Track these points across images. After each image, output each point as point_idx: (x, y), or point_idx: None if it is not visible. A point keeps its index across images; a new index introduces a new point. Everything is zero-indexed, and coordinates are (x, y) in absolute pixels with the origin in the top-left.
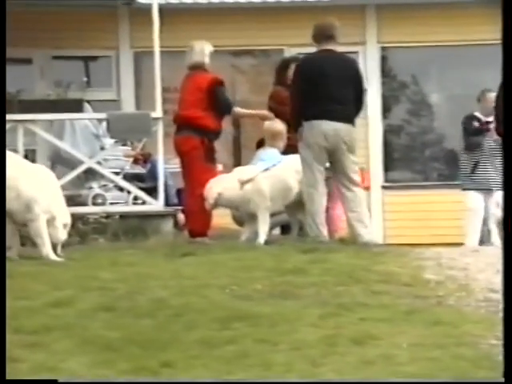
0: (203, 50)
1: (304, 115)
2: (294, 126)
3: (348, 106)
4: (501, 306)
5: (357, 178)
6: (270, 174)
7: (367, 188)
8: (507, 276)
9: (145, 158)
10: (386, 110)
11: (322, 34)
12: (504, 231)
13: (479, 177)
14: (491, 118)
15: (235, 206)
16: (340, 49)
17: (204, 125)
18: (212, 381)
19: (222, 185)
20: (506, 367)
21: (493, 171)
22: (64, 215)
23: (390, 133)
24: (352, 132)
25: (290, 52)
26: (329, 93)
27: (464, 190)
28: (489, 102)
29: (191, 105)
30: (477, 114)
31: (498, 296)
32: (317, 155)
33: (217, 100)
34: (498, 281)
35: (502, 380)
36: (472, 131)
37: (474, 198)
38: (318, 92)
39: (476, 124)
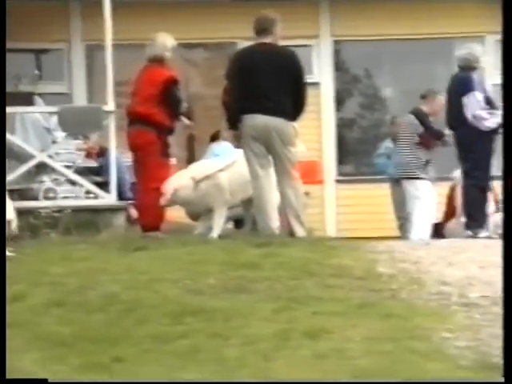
0: (165, 43)
1: (239, 109)
2: (228, 120)
3: (283, 100)
4: (453, 299)
5: (295, 172)
6: (228, 168)
7: (320, 182)
8: (507, 276)
9: (99, 152)
10: (339, 103)
11: (260, 27)
12: (504, 231)
13: (430, 168)
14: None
15: (193, 204)
16: (292, 42)
17: (158, 121)
18: (214, 381)
19: (179, 182)
20: (506, 367)
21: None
22: (7, 211)
23: (343, 126)
24: (286, 126)
25: (242, 45)
26: (262, 87)
27: (417, 179)
28: (437, 104)
29: (145, 99)
30: (424, 108)
31: (450, 289)
32: (254, 149)
33: (169, 98)
34: (449, 274)
35: (502, 380)
36: (429, 127)
37: (427, 188)
38: (250, 86)
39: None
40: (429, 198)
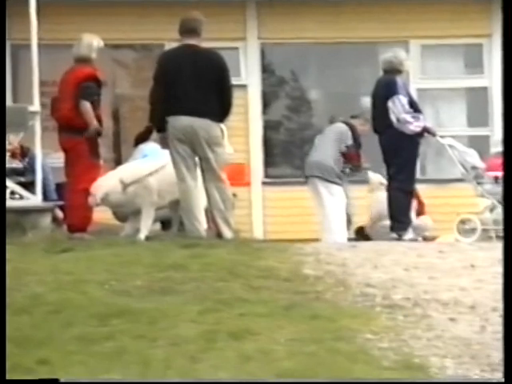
0: (91, 43)
1: (165, 111)
2: (155, 122)
3: (209, 102)
4: (377, 301)
5: (222, 174)
6: (157, 169)
7: (247, 184)
8: (507, 275)
9: (23, 152)
10: (266, 105)
11: (185, 28)
12: (504, 231)
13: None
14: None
15: (122, 207)
16: (219, 44)
17: (81, 125)
18: (216, 381)
19: (109, 185)
20: (506, 367)
21: None
22: None
23: (269, 128)
24: (212, 127)
25: (170, 46)
26: (188, 88)
27: (333, 183)
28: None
29: (67, 102)
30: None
31: (375, 290)
32: (180, 151)
33: (80, 93)
34: (374, 276)
35: (503, 380)
36: (358, 144)
37: (341, 193)
38: (176, 87)
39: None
40: (342, 202)
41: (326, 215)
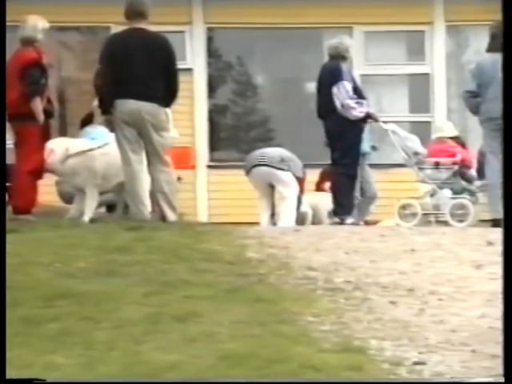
0: (36, 25)
1: (111, 94)
2: (101, 105)
3: (155, 86)
4: (319, 284)
5: (167, 158)
6: (104, 151)
7: (192, 167)
8: (507, 275)
9: None
10: (212, 89)
11: (132, 11)
12: (504, 229)
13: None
14: None
15: (61, 175)
16: (165, 28)
17: (28, 112)
18: (218, 381)
19: (55, 148)
20: (505, 367)
21: None
22: None
23: (215, 112)
24: (158, 112)
25: (116, 29)
26: (134, 72)
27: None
28: None
29: (11, 87)
30: None
31: (317, 274)
32: (126, 134)
33: (26, 82)
34: (316, 259)
35: (502, 380)
36: None
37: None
38: (123, 71)
39: None
40: (295, 188)
41: (282, 199)
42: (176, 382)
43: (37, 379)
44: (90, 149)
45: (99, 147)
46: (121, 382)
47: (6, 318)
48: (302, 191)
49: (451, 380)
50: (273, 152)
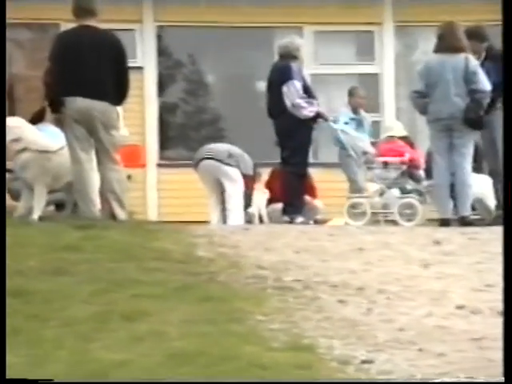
0: None
1: (61, 92)
2: (50, 103)
3: (105, 84)
4: (269, 283)
5: (117, 156)
6: (54, 150)
7: (142, 166)
8: (507, 275)
9: None
10: (162, 88)
11: (81, 9)
12: (504, 230)
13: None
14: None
15: (14, 170)
16: (115, 26)
17: None
18: (219, 380)
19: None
20: (505, 367)
21: None
22: None
23: (166, 111)
24: (109, 110)
25: (66, 27)
26: (83, 70)
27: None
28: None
29: None
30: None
31: (266, 273)
32: (76, 133)
33: None
34: (266, 258)
35: (502, 380)
36: None
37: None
38: (73, 69)
39: None
40: (241, 185)
41: (227, 197)
42: (178, 382)
43: (38, 379)
44: (47, 150)
45: (60, 149)
46: (127, 383)
47: (5, 318)
48: (251, 189)
49: (448, 380)
50: (221, 147)
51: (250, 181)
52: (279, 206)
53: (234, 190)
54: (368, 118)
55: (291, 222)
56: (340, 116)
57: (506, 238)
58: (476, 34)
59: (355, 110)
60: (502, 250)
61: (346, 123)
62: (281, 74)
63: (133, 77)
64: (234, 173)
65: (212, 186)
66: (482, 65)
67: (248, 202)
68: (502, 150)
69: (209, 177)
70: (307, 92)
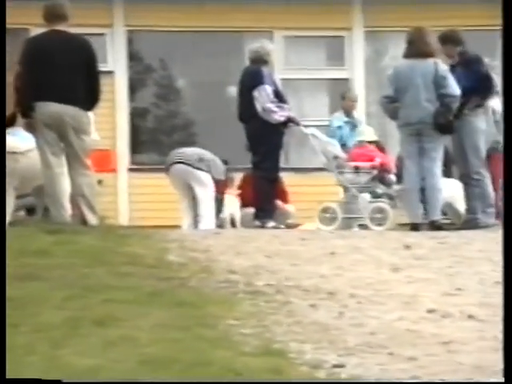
0: None
1: (32, 97)
2: (21, 107)
3: (76, 89)
4: (240, 287)
5: (88, 161)
6: (23, 154)
7: (113, 170)
8: (507, 275)
9: None
10: (133, 92)
11: (52, 13)
12: (504, 229)
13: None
14: None
15: None
16: (86, 30)
17: None
18: (219, 381)
19: None
20: (506, 367)
21: None
22: None
23: (137, 116)
24: (80, 114)
25: (36, 31)
26: (54, 74)
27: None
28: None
29: None
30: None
31: (238, 277)
32: (46, 137)
33: None
34: (237, 262)
35: (502, 380)
36: None
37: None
38: (44, 73)
39: None
40: (211, 189)
41: (198, 201)
42: (179, 382)
43: (38, 379)
44: (14, 151)
45: (29, 150)
46: (127, 383)
47: (5, 318)
48: (223, 194)
49: (448, 380)
50: (192, 151)
51: (221, 185)
52: (251, 210)
53: (205, 194)
54: (361, 119)
55: (263, 226)
56: (334, 120)
57: (506, 238)
58: (451, 38)
59: (348, 113)
60: (502, 249)
61: (340, 127)
62: (252, 79)
63: (103, 81)
64: (205, 177)
65: (183, 190)
66: (454, 69)
67: (220, 207)
68: (503, 149)
69: (180, 181)
70: (278, 97)
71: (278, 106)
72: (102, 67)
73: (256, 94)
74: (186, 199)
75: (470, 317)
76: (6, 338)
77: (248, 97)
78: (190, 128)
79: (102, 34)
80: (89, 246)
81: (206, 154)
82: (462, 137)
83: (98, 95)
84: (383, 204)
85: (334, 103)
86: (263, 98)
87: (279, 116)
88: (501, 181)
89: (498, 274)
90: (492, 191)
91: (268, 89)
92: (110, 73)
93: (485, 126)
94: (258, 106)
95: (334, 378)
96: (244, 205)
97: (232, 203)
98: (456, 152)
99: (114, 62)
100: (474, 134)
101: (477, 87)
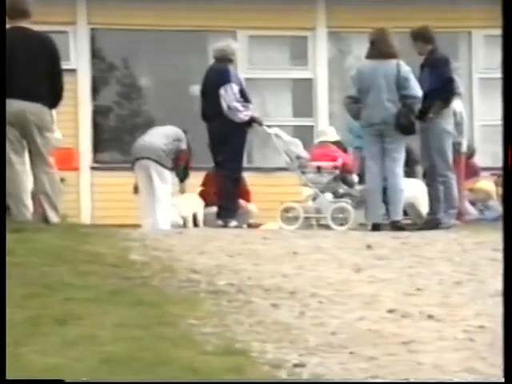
0: None
1: None
2: None
3: (39, 86)
4: (202, 287)
5: (50, 159)
6: None
7: (76, 169)
8: (507, 275)
9: None
10: (96, 91)
11: (14, 10)
12: (504, 229)
13: None
14: None
15: None
16: (49, 28)
17: None
18: (219, 381)
19: None
20: (506, 367)
21: None
22: None
23: (99, 114)
24: (43, 112)
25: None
26: (17, 72)
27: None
28: None
29: None
30: None
31: (200, 276)
32: (8, 135)
33: None
34: (200, 262)
35: (502, 380)
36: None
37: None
38: (5, 71)
39: None
40: (170, 187)
41: (155, 199)
42: (181, 382)
43: (38, 380)
44: None
45: None
46: (127, 383)
47: (5, 318)
48: (187, 164)
49: (448, 380)
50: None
51: (183, 155)
52: (213, 209)
53: (164, 191)
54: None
55: (225, 225)
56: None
57: (506, 238)
58: (422, 36)
59: None
60: (502, 249)
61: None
62: (218, 77)
63: (66, 79)
64: (168, 175)
65: (146, 184)
66: (422, 69)
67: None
68: (503, 148)
69: (144, 174)
70: (243, 96)
71: (243, 106)
72: (64, 65)
73: (222, 92)
74: (149, 195)
75: (430, 317)
76: (5, 338)
77: (213, 95)
78: (152, 126)
79: (64, 32)
80: (50, 245)
81: (168, 129)
82: (428, 138)
83: (61, 93)
84: (345, 204)
85: (297, 103)
86: (229, 96)
87: (244, 115)
88: (464, 182)
89: (457, 274)
90: (457, 193)
91: (235, 87)
92: (72, 71)
93: (451, 128)
94: (224, 105)
95: (295, 378)
96: (207, 204)
97: (195, 202)
98: (422, 153)
99: (77, 59)
100: (440, 136)
101: (441, 89)
